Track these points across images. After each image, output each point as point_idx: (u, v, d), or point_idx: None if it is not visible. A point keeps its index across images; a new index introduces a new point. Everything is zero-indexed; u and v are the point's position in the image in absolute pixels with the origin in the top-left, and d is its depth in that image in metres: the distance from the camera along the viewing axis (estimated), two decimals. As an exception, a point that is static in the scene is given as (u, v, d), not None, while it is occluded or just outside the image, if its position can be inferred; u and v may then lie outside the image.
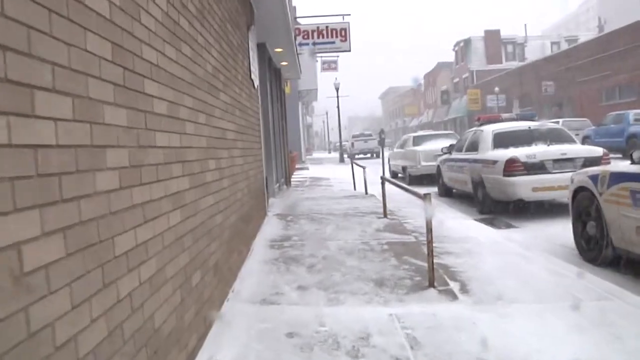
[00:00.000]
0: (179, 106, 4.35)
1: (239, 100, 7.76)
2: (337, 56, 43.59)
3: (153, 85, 3.72)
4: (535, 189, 11.70)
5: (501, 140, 13.32)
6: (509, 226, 11.19)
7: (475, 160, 13.60)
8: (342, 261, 7.04)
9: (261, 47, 13.55)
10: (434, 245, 6.24)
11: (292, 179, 22.61)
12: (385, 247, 7.80)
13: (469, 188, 14.12)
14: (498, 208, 12.58)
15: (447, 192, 16.63)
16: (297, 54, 16.80)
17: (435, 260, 6.28)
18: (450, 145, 16.84)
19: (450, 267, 7.01)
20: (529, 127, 13.76)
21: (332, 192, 16.07)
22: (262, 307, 5.47)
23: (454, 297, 5.64)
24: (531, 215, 11.72)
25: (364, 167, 14.94)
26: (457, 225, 10.69)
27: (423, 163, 20.43)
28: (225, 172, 6.18)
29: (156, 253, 3.53)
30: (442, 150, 17.02)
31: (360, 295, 5.73)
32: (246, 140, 8.23)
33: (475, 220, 11.91)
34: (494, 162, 12.51)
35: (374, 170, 27.68)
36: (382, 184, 10.42)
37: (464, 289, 5.98)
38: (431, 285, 5.91)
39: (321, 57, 42.26)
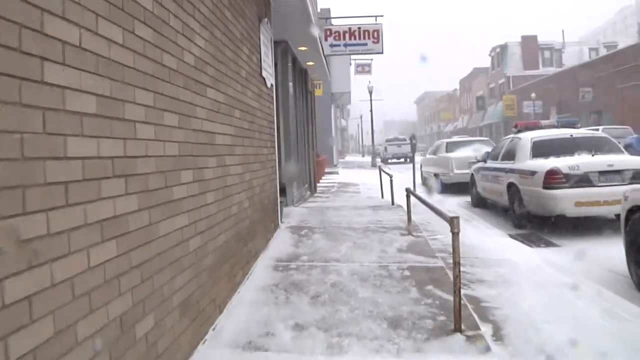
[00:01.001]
0: (123, 103, 3.24)
1: (241, 100, 6.64)
2: (371, 59, 42.61)
3: (64, 72, 2.61)
4: (578, 204, 10.43)
5: (541, 149, 12.07)
6: (548, 244, 9.95)
7: (512, 170, 12.35)
8: (353, 291, 5.85)
9: (282, 45, 12.46)
10: (462, 269, 5.08)
11: (319, 185, 21.48)
12: (406, 272, 6.59)
13: (504, 200, 12.87)
14: (536, 223, 11.33)
15: (480, 203, 15.38)
16: (324, 54, 15.66)
17: (463, 291, 5.11)
18: (486, 153, 15.57)
19: (482, 301, 5.79)
20: (571, 135, 12.47)
21: (357, 201, 14.87)
22: (244, 355, 4.32)
23: (485, 347, 4.41)
24: (573, 232, 10.45)
25: (391, 176, 13.70)
26: (491, 243, 9.47)
27: (456, 171, 19.18)
28: (211, 185, 5.06)
29: (53, 309, 2.43)
30: (476, 158, 15.76)
31: (369, 340, 4.54)
32: (250, 146, 7.11)
33: (511, 236, 10.69)
34: (533, 172, 11.25)
35: (405, 176, 26.50)
36: (407, 197, 9.21)
37: (498, 335, 4.77)
38: (457, 329, 4.69)
39: (355, 59, 41.22)
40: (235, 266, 5.95)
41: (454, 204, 15.87)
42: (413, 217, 9.71)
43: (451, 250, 5.12)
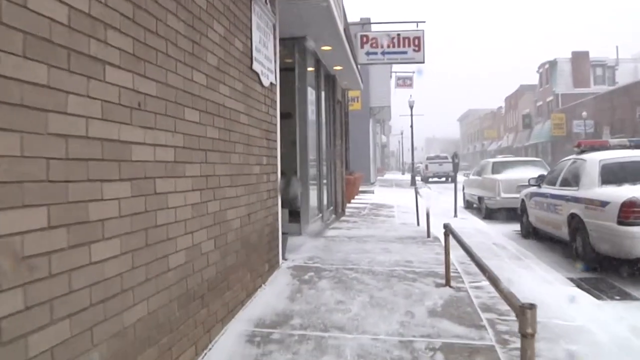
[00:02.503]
0: None
1: (204, 96, 4.55)
2: (413, 72, 40.42)
3: None
4: (665, 245, 8.19)
5: (611, 174, 9.78)
6: (624, 296, 7.73)
7: (576, 199, 10.07)
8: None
9: (300, 42, 10.42)
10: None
11: (350, 205, 19.32)
12: (439, 356, 4.42)
13: (563, 234, 10.59)
14: (604, 264, 9.08)
15: (532, 234, 13.09)
16: (355, 58, 13.55)
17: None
18: (540, 177, 13.27)
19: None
20: (648, 158, 10.17)
21: (388, 229, 12.66)
22: None
23: None
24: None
25: (428, 206, 11.44)
26: (551, 295, 7.21)
27: (503, 195, 16.87)
28: (109, 228, 2.99)
29: None
30: (529, 182, 13.44)
31: None
32: (224, 163, 5.04)
33: (574, 282, 8.45)
34: (604, 203, 8.98)
35: (446, 197, 24.19)
36: (446, 235, 6.91)
37: None
38: None
39: (395, 72, 39.07)
40: (177, 343, 3.86)
41: (500, 234, 13.61)
42: (452, 254, 7.51)
43: (505, 314, 2.98)
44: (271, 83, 6.94)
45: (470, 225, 15.02)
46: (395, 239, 10.53)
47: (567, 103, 57.87)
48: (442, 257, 7.83)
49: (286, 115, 11.01)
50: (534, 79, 70.66)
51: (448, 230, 6.33)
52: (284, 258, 7.81)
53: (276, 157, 7.23)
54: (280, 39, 8.20)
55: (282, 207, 10.74)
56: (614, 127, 45.87)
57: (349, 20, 19.25)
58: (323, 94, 13.33)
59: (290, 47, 10.49)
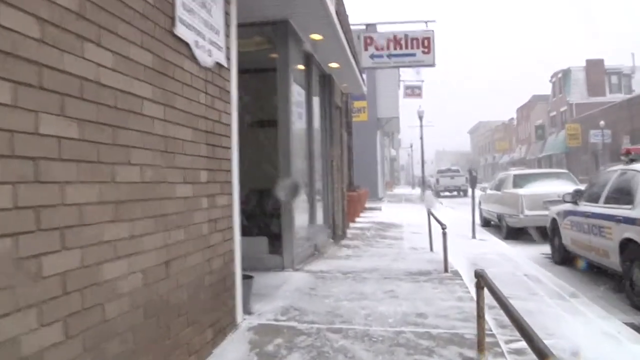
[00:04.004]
0: None
1: (53, 64, 2.40)
2: (422, 81, 38.26)
3: None
4: None
5: (679, 188, 7.56)
6: None
7: (631, 220, 7.81)
8: None
9: (281, 27, 8.26)
10: None
11: (353, 225, 17.05)
12: None
13: (613, 263, 8.35)
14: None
15: (567, 259, 10.81)
16: (353, 53, 11.30)
17: None
18: (576, 192, 10.97)
19: None
20: None
21: (395, 256, 10.35)
22: None
23: None
24: None
25: (444, 227, 8.97)
26: (607, 352, 5.06)
27: (527, 212, 14.57)
28: None
29: None
30: (563, 198, 11.15)
31: None
32: (114, 182, 2.90)
33: (631, 327, 6.27)
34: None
35: (460, 214, 21.89)
36: (479, 288, 4.36)
37: None
38: None
39: (404, 81, 36.89)
40: None
41: (527, 260, 11.35)
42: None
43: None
44: (217, 64, 4.75)
45: (491, 249, 12.75)
46: (404, 274, 8.21)
47: (582, 113, 55.49)
48: (467, 307, 5.60)
49: (268, 123, 8.80)
50: (547, 89, 68.35)
51: (482, 280, 4.01)
52: (247, 312, 5.57)
53: (229, 171, 5.02)
54: (255, 23, 6.64)
55: (260, 234, 8.54)
56: (634, 136, 43.43)
57: (352, 21, 17.10)
58: (317, 97, 11.14)
59: (269, 33, 8.35)
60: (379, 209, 24.66)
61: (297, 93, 9.05)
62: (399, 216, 20.71)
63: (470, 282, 7.73)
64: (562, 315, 6.75)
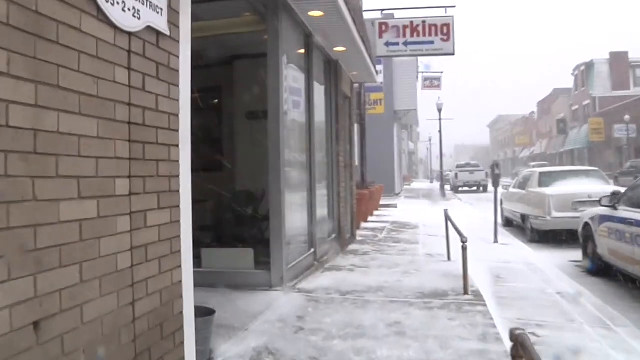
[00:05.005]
0: None
1: None
2: (441, 72, 36.58)
3: None
4: None
5: None
6: None
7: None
8: None
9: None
10: None
11: (365, 225, 15.67)
12: None
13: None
14: None
15: (602, 270, 9.39)
16: (361, 33, 9.83)
17: None
18: (614, 194, 9.55)
19: None
20: None
21: (407, 267, 8.93)
22: None
23: None
24: None
25: (464, 241, 7.33)
26: None
27: (555, 214, 13.16)
28: None
29: None
30: (600, 202, 9.70)
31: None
32: None
33: None
34: None
35: (480, 210, 20.47)
36: (516, 349, 2.99)
37: None
38: None
39: (422, 72, 35.34)
40: None
41: (557, 270, 10.01)
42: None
43: None
44: (152, 29, 3.38)
45: (516, 256, 11.34)
46: (416, 295, 6.77)
47: (605, 106, 53.71)
48: (494, 351, 4.23)
49: (261, 114, 7.46)
50: (569, 82, 66.61)
51: (521, 349, 2.61)
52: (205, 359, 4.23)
53: (175, 177, 3.67)
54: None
55: (247, 243, 7.22)
56: (661, 132, 41.66)
57: (365, 7, 15.68)
58: (321, 85, 9.77)
59: (260, 9, 7.03)
60: (395, 206, 23.23)
61: (292, 78, 7.67)
62: (415, 215, 19.31)
63: (495, 309, 6.35)
64: (611, 355, 5.36)
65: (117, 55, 3.04)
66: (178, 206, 3.75)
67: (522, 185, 15.96)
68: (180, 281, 3.78)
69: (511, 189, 17.32)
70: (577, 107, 62.67)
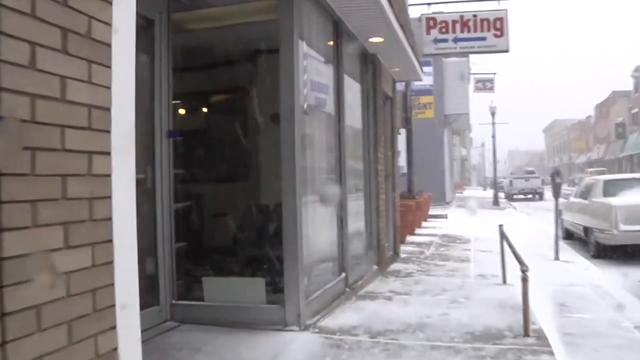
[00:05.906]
0: None
1: None
2: (494, 74, 34.86)
3: None
4: None
5: None
6: None
7: None
8: None
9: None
10: None
11: (410, 239, 14.35)
12: None
13: None
14: None
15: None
16: (401, 23, 8.53)
17: None
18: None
19: None
20: None
21: (455, 294, 7.50)
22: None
23: None
24: None
25: (524, 271, 5.80)
26: None
27: (623, 227, 11.65)
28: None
29: None
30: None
31: None
32: None
33: None
34: None
35: (538, 224, 18.97)
36: None
37: None
38: None
39: (474, 74, 33.77)
40: None
41: (624, 292, 8.75)
42: None
43: None
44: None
45: (579, 277, 9.92)
46: (463, 338, 5.38)
47: (669, 110, 51.22)
48: None
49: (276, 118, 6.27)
50: (628, 84, 63.80)
51: None
52: None
53: (84, 199, 2.51)
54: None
55: (254, 275, 6.06)
56: None
57: (411, 1, 14.43)
58: (354, 81, 8.56)
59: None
60: (445, 216, 21.79)
61: (315, 71, 6.46)
62: (466, 226, 17.90)
63: (564, 356, 5.02)
64: None
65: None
66: (109, 241, 2.58)
67: (584, 194, 14.41)
68: (116, 349, 2.61)
69: (572, 199, 15.76)
70: (636, 110, 60.11)
